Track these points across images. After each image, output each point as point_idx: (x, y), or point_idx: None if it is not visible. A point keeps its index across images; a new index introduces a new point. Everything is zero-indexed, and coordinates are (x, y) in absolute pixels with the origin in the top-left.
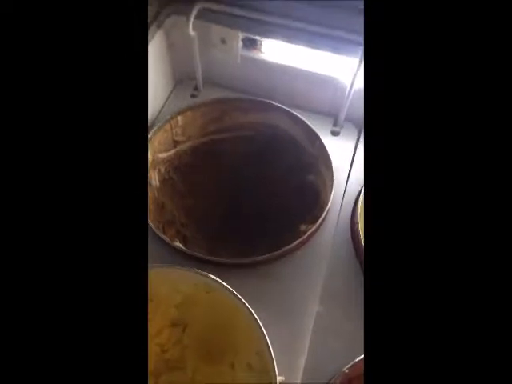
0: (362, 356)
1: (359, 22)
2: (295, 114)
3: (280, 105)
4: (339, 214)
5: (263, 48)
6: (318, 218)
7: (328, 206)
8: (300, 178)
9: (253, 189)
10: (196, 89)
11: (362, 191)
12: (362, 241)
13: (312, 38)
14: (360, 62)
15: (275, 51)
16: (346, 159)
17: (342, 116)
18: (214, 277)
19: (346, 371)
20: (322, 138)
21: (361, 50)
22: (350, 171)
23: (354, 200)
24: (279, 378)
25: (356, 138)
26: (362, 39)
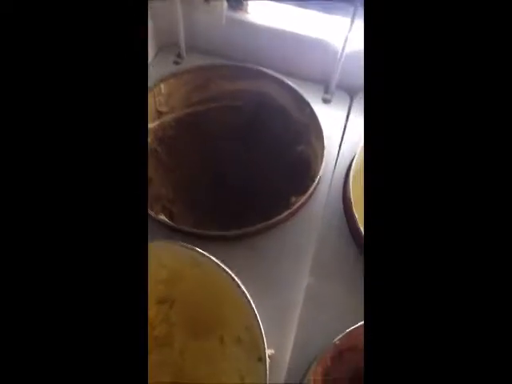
0: (353, 327)
1: None
2: (284, 80)
3: (268, 71)
4: (330, 184)
5: (249, 8)
6: (309, 188)
7: (318, 177)
8: (290, 149)
9: (241, 161)
10: (179, 55)
11: (354, 161)
12: (354, 210)
13: None
14: (352, 22)
15: (262, 12)
16: (337, 128)
17: (334, 82)
18: (200, 250)
19: (337, 342)
20: (312, 105)
21: (352, 9)
22: (341, 140)
23: (345, 170)
24: (269, 352)
25: (348, 105)
26: None
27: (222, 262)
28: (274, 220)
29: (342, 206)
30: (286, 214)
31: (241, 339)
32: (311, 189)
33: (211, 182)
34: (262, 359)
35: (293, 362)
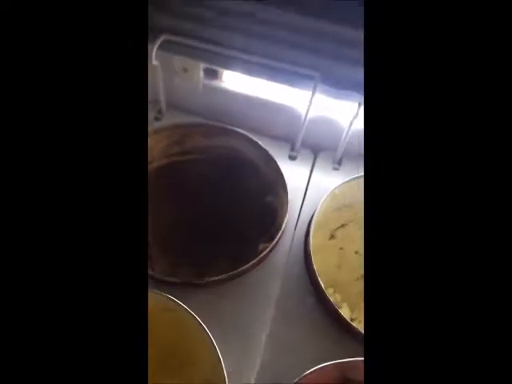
0: (313, 369)
1: (313, 58)
2: (254, 139)
3: (240, 130)
4: (293, 235)
5: (224, 77)
6: (275, 237)
7: (283, 228)
8: (259, 199)
9: (214, 210)
10: (160, 112)
11: (315, 214)
12: (314, 263)
13: (269, 72)
14: (313, 93)
15: (235, 81)
16: (302, 182)
17: (299, 142)
18: (170, 297)
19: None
20: (279, 161)
21: (313, 83)
22: (305, 194)
23: (307, 223)
24: None
25: (311, 162)
26: (314, 73)
27: (192, 307)
28: (239, 270)
29: (303, 256)
30: (250, 264)
31: (210, 379)
32: (275, 239)
33: (185, 228)
34: None
35: None
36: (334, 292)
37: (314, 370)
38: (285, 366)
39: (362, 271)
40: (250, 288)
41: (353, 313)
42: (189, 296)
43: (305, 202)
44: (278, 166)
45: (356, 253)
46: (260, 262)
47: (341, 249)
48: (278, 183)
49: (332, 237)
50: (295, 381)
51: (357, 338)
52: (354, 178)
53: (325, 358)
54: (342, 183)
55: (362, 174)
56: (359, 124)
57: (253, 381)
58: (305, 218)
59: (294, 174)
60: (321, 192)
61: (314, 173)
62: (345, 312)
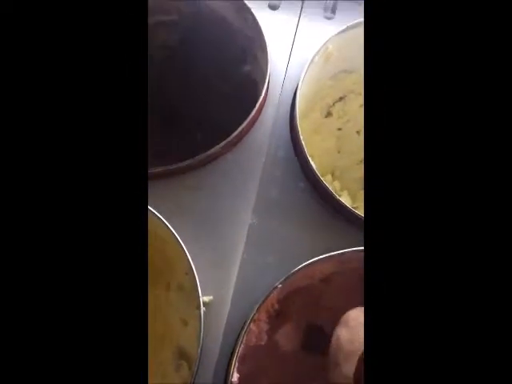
0: (297, 268)
1: None
2: None
3: None
4: (278, 109)
5: None
6: (250, 113)
7: (259, 100)
8: (235, 71)
9: (179, 87)
10: None
11: (304, 76)
12: (302, 139)
13: None
14: None
15: None
16: (286, 39)
17: None
18: None
19: (279, 286)
20: (257, 13)
21: None
22: (290, 55)
23: (293, 91)
24: (207, 298)
25: (298, 12)
26: None
27: (155, 203)
28: (209, 152)
29: (289, 134)
30: (223, 143)
31: (183, 285)
32: (252, 113)
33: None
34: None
35: (233, 308)
36: (333, 179)
37: (300, 269)
38: (268, 267)
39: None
40: (224, 176)
41: (354, 201)
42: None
43: (291, 64)
44: (255, 20)
45: (357, 133)
46: (235, 144)
47: (339, 129)
48: (256, 44)
49: (329, 114)
50: (277, 283)
51: (356, 229)
52: (352, 27)
53: (319, 252)
54: (337, 33)
55: (361, 19)
56: None
57: (232, 283)
58: (291, 85)
59: (276, 28)
60: (311, 50)
61: (301, 25)
62: (346, 201)
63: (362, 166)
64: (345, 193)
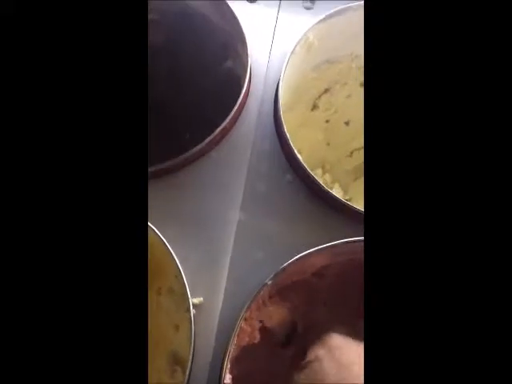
0: (287, 263)
1: None
2: None
3: None
4: (262, 103)
5: None
6: (232, 109)
7: (241, 95)
8: (218, 67)
9: (166, 89)
10: None
11: (285, 67)
12: (286, 130)
13: None
14: None
15: None
16: (266, 32)
17: None
18: None
19: (269, 282)
20: (234, 6)
21: None
22: (271, 47)
23: (276, 83)
24: (197, 300)
25: (277, 3)
26: None
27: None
28: (192, 152)
29: (274, 127)
30: (207, 141)
31: (173, 289)
32: (234, 109)
33: None
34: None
35: (225, 309)
36: (324, 172)
37: (290, 264)
38: (258, 264)
39: (354, 144)
40: (209, 174)
41: (346, 193)
42: None
43: (272, 56)
44: (233, 14)
45: (346, 123)
46: (218, 141)
47: (327, 121)
48: (236, 39)
49: (315, 107)
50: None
51: (349, 221)
52: (331, 16)
53: (310, 245)
54: (317, 23)
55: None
56: None
57: (223, 282)
58: (275, 79)
59: (255, 21)
60: (292, 41)
61: (280, 16)
62: (337, 193)
63: (352, 158)
64: (336, 185)
